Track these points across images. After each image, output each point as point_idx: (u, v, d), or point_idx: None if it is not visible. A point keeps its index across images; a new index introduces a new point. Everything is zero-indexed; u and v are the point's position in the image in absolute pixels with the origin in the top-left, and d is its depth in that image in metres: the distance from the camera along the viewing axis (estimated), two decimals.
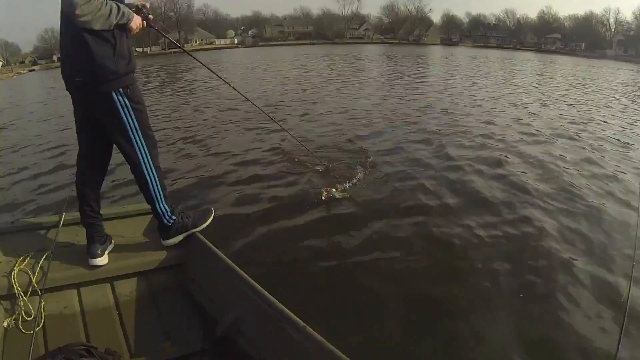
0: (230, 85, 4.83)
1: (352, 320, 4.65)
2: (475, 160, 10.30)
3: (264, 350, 2.94)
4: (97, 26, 3.05)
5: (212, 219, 4.09)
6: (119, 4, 3.17)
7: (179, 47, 5.48)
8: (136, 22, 3.35)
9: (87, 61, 3.12)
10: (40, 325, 3.19)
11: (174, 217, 3.84)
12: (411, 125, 14.12)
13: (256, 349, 2.99)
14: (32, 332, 2.99)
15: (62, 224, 3.95)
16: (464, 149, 11.33)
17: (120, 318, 3.47)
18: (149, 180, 3.64)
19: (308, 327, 2.69)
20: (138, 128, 3.45)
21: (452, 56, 67.81)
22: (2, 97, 33.44)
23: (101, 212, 3.81)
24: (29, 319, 3.21)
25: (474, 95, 21.74)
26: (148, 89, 27.00)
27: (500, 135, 12.94)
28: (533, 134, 13.18)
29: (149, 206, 3.86)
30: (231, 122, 14.94)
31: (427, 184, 8.48)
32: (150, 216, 4.19)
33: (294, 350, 2.71)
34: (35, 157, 12.04)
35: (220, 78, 5.50)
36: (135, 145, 3.49)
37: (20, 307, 3.25)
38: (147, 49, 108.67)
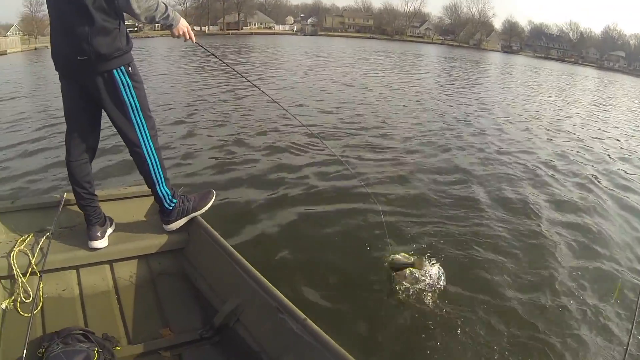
0: (259, 89, 4.73)
1: (354, 317, 4.69)
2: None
3: (263, 340, 2.90)
4: (142, 17, 3.08)
5: (214, 201, 3.99)
6: (168, 6, 3.22)
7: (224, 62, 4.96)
8: (180, 29, 3.40)
9: (92, 39, 3.00)
10: (39, 308, 3.17)
11: (174, 201, 3.73)
12: None
13: (255, 338, 2.95)
14: (29, 314, 2.95)
15: (63, 204, 3.80)
16: None
17: (118, 302, 3.44)
18: (149, 162, 3.52)
19: (308, 320, 2.64)
20: (139, 107, 3.36)
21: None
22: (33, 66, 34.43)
23: (101, 193, 3.80)
24: (27, 300, 3.18)
25: None
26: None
27: None
28: None
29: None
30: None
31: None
32: (151, 198, 4.04)
33: (293, 341, 2.65)
34: (42, 131, 12.15)
35: (249, 80, 5.31)
36: (136, 125, 3.39)
37: (19, 289, 3.21)
38: (204, 29, 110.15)
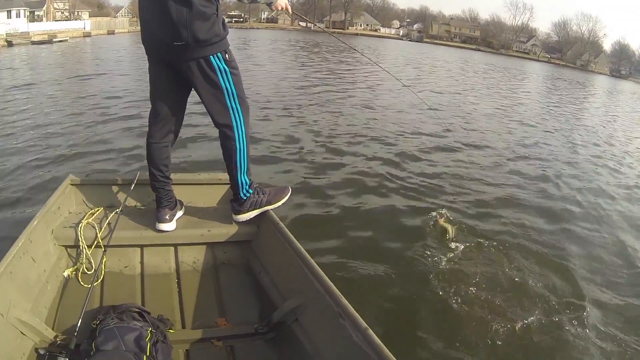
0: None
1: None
2: None
3: (319, 344, 2.79)
4: None
5: (289, 198, 3.87)
6: None
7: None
8: (279, 5, 3.60)
9: (191, 24, 2.98)
10: (99, 280, 3.27)
11: (250, 191, 3.66)
12: None
13: (311, 341, 2.85)
14: (89, 285, 3.06)
15: (136, 183, 3.87)
16: None
17: (178, 286, 3.47)
18: (237, 147, 3.47)
19: (370, 330, 2.46)
20: (235, 93, 3.34)
21: None
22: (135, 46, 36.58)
23: (175, 176, 3.79)
24: (88, 272, 3.30)
25: None
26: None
27: None
28: None
29: (224, 176, 3.80)
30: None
31: None
32: (224, 187, 4.09)
33: (351, 350, 2.50)
34: (129, 110, 12.89)
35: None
36: (231, 110, 3.37)
37: (83, 260, 3.33)
38: (310, 25, 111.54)
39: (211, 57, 3.15)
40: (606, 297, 5.69)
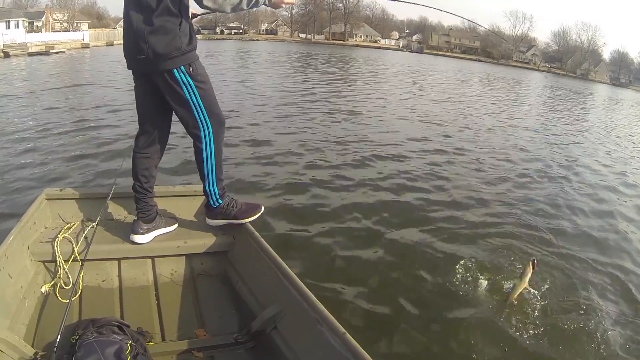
0: None
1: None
2: None
3: (299, 350, 2.82)
4: (228, 8, 3.21)
5: (258, 217, 3.86)
6: None
7: None
8: (280, 2, 3.50)
9: (150, 38, 3.05)
10: (77, 295, 3.24)
11: (220, 202, 3.74)
12: None
13: (291, 348, 2.88)
14: (67, 300, 2.99)
15: (111, 197, 3.89)
16: None
17: (157, 298, 3.47)
18: (205, 159, 3.56)
19: (347, 334, 2.51)
20: (202, 105, 3.38)
21: None
22: None
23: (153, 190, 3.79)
24: (66, 287, 3.29)
25: None
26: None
27: None
28: None
29: (199, 188, 3.83)
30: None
31: None
32: (200, 198, 4.12)
33: (330, 355, 2.55)
34: (108, 122, 12.83)
35: None
36: (199, 123, 3.43)
37: (60, 275, 3.33)
38: (310, 37, 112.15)
39: (175, 70, 3.19)
40: None
